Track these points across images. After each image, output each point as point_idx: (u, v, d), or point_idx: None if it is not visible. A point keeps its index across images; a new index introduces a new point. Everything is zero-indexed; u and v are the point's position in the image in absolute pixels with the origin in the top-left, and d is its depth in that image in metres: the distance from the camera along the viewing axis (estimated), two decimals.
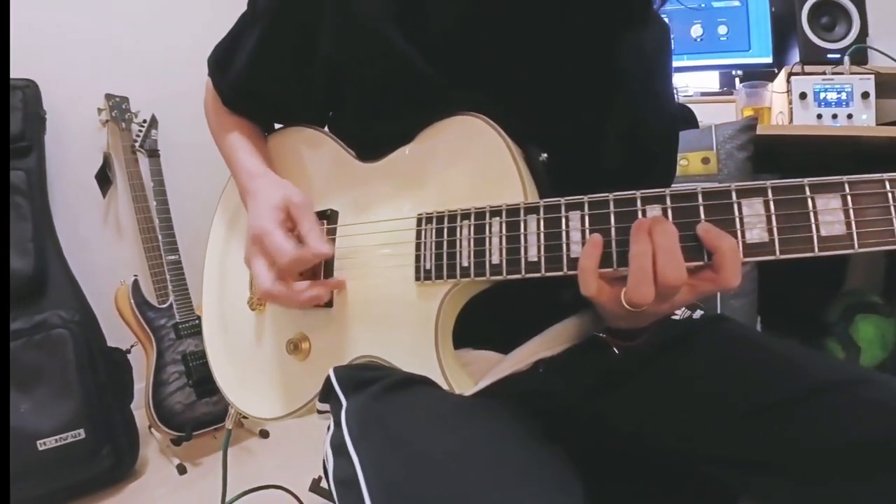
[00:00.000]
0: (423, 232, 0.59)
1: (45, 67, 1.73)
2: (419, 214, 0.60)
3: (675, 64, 1.69)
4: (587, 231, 0.50)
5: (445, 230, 0.58)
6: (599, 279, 0.48)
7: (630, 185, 0.48)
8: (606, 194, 0.50)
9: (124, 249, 1.95)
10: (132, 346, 1.67)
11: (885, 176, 0.41)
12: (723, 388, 0.58)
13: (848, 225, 0.41)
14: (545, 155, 0.58)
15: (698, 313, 0.74)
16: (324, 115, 0.74)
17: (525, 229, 0.53)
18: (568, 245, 0.51)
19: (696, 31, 1.63)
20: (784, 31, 1.55)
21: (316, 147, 0.72)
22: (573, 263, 0.50)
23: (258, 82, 0.71)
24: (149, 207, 1.77)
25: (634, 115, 0.66)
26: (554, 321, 0.64)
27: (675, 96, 0.78)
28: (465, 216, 0.56)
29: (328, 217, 0.69)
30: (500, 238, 0.54)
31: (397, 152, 0.64)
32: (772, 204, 0.43)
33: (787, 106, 1.38)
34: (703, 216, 0.45)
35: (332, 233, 0.68)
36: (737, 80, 1.70)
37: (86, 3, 1.81)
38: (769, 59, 1.58)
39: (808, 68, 1.38)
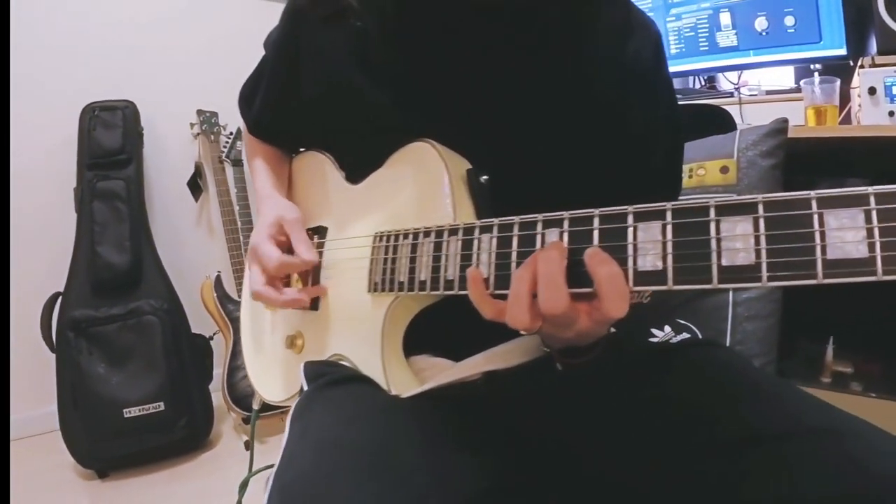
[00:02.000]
0: (375, 248, 0.63)
1: (143, 88, 1.93)
2: (375, 233, 0.63)
3: (741, 60, 1.53)
4: (493, 254, 0.49)
5: (391, 248, 0.60)
6: (498, 301, 0.46)
7: (624, 201, 0.45)
8: (513, 217, 0.48)
9: (214, 248, 2.12)
10: (214, 334, 1.83)
11: (813, 194, 0.34)
12: (670, 420, 0.53)
13: (758, 253, 0.35)
14: (486, 177, 0.58)
15: (681, 337, 0.67)
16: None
17: (447, 250, 0.53)
18: (477, 267, 0.50)
19: (761, 23, 1.47)
20: (860, 19, 1.35)
21: (319, 170, 0.78)
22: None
23: (274, 117, 0.78)
24: (233, 211, 1.92)
25: (613, 130, 0.62)
26: (510, 335, 0.63)
27: (674, 101, 0.70)
28: (406, 235, 0.58)
29: (319, 232, 0.75)
30: (429, 257, 0.55)
31: (372, 175, 0.67)
32: (669, 228, 0.39)
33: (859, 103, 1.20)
34: (595, 241, 0.42)
35: (321, 246, 0.74)
36: (816, 74, 1.51)
37: (178, 28, 2.00)
38: (843, 51, 1.37)
39: (881, 59, 1.19)
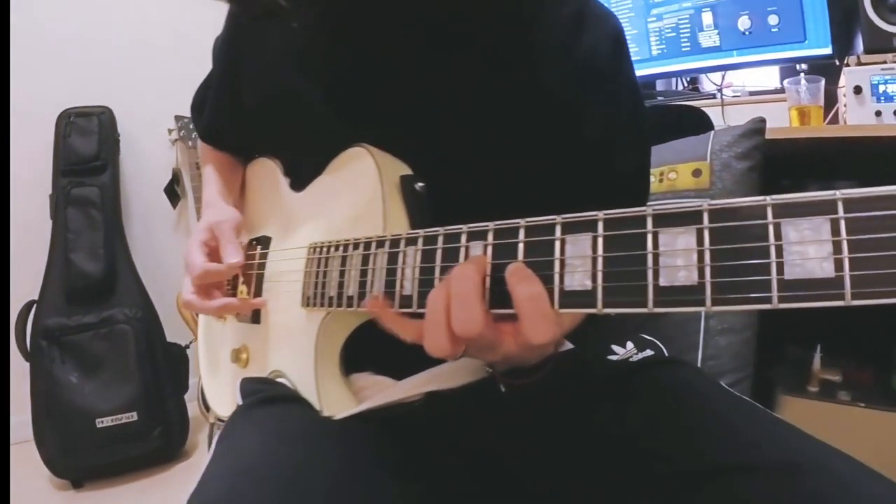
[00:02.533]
0: (309, 261, 0.57)
1: (121, 94, 1.87)
2: (310, 244, 0.58)
3: (724, 61, 1.46)
4: (417, 269, 0.42)
5: (323, 260, 0.55)
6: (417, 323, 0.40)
7: (585, 209, 0.40)
8: (438, 229, 0.41)
9: None
10: (190, 343, 1.76)
11: (768, 199, 0.28)
12: (620, 449, 0.48)
13: (701, 272, 0.29)
14: (421, 184, 0.52)
15: (644, 354, 0.60)
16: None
17: (374, 263, 0.47)
18: (402, 282, 0.43)
19: (744, 23, 1.40)
20: (846, 18, 1.28)
21: (267, 177, 0.74)
22: (405, 301, 0.43)
23: (221, 124, 0.75)
24: None
25: (566, 131, 0.57)
26: None
27: (638, 99, 0.63)
28: (337, 247, 0.53)
29: (263, 242, 0.70)
30: (357, 271, 0.49)
31: (314, 182, 0.63)
32: (600, 241, 0.32)
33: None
34: (520, 255, 0.35)
35: (264, 256, 0.69)
36: (802, 75, 1.44)
37: (156, 34, 1.93)
38: (828, 50, 1.31)
39: (867, 58, 1.12)
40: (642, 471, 0.46)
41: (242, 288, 0.70)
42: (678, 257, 0.29)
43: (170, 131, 1.92)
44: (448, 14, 0.56)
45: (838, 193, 0.26)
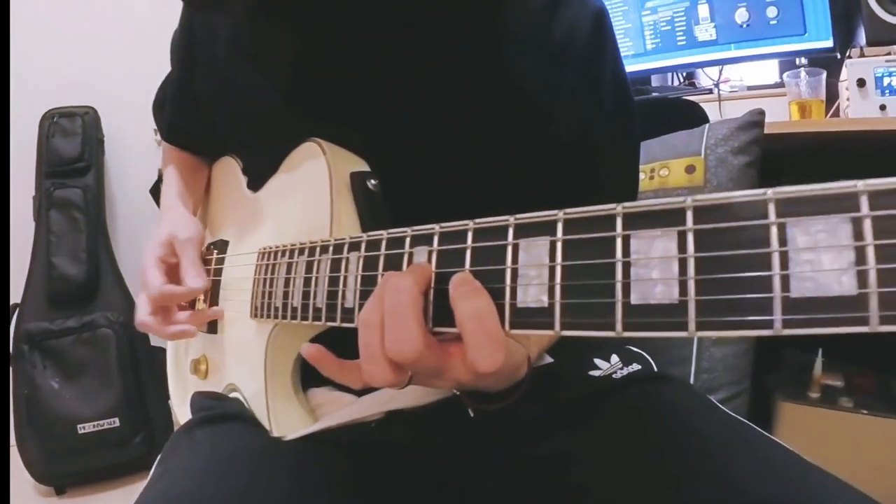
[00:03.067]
0: (258, 267, 0.52)
1: (104, 95, 1.80)
2: (260, 249, 0.52)
3: (721, 55, 1.39)
4: (359, 277, 0.36)
5: (269, 267, 0.49)
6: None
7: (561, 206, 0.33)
8: (382, 232, 0.35)
9: None
10: None
11: (770, 193, 0.21)
12: (591, 480, 0.42)
13: (683, 287, 0.22)
14: (374, 181, 0.47)
15: (630, 369, 0.53)
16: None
17: (317, 270, 0.41)
18: (344, 293, 0.37)
19: (742, 15, 1.33)
20: (847, 10, 1.21)
21: (227, 176, 0.69)
22: (347, 315, 0.36)
23: (182, 122, 0.70)
24: None
25: (539, 122, 0.51)
26: None
27: (626, 89, 0.57)
28: (283, 253, 0.47)
29: (220, 247, 0.65)
30: (301, 279, 0.43)
31: (269, 181, 0.58)
32: (559, 247, 0.26)
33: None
34: (468, 263, 0.29)
35: (220, 262, 0.63)
36: (802, 68, 1.37)
37: (141, 33, 1.87)
38: (829, 43, 1.23)
39: (870, 50, 1.06)
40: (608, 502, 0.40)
41: (200, 296, 0.64)
42: (654, 268, 0.22)
43: (155, 131, 1.85)
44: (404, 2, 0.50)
45: (860, 184, 0.20)
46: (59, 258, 1.56)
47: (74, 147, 1.65)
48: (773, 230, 0.21)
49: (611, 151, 0.55)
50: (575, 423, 0.46)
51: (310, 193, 0.48)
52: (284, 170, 0.54)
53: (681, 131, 0.81)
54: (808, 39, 1.26)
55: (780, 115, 1.24)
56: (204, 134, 0.68)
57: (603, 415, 0.46)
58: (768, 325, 0.20)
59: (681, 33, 1.42)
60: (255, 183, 0.60)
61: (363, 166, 0.48)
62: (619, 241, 0.23)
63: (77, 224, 1.59)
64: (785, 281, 0.20)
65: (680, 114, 0.88)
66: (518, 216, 0.28)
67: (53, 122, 1.67)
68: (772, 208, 0.21)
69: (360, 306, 0.35)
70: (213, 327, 0.62)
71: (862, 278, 0.19)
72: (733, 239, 0.21)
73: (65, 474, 1.49)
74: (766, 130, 0.81)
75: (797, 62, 1.39)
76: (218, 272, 0.63)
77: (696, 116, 0.90)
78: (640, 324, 0.23)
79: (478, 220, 0.29)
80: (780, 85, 1.32)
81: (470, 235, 0.29)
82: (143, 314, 0.58)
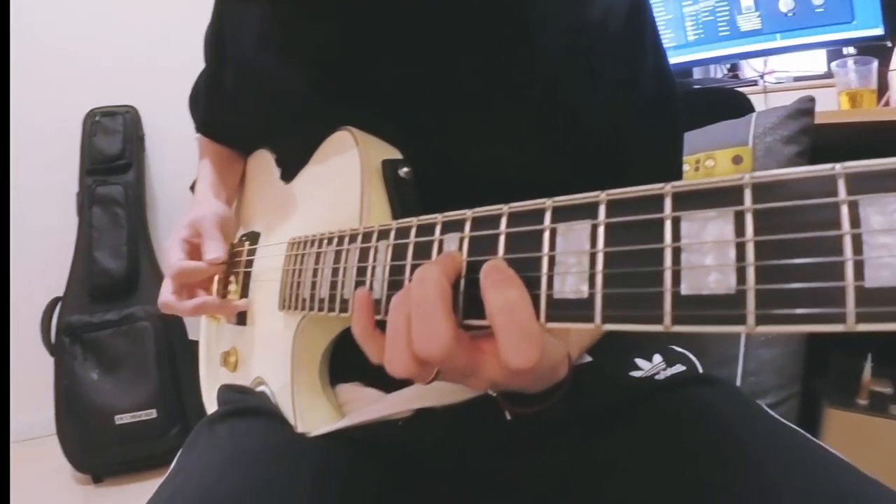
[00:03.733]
0: (287, 258, 0.51)
1: (145, 94, 1.86)
2: (290, 240, 0.52)
3: (765, 45, 1.33)
4: (388, 268, 0.34)
5: (299, 257, 0.48)
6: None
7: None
8: (412, 220, 0.34)
9: None
10: None
11: (839, 168, 0.19)
12: (625, 486, 0.40)
13: (741, 274, 0.20)
14: (406, 169, 0.46)
15: (674, 370, 0.51)
16: None
17: (345, 261, 0.40)
18: (371, 283, 0.36)
19: (786, 3, 1.27)
20: None
21: (262, 168, 0.69)
22: (375, 307, 0.35)
23: (216, 116, 0.71)
24: None
25: (574, 114, 0.49)
26: None
27: (666, 75, 0.54)
28: (313, 243, 0.46)
29: (250, 238, 0.65)
30: (330, 269, 0.42)
31: (301, 172, 0.57)
32: (601, 232, 0.24)
33: None
34: (501, 251, 0.27)
35: (251, 253, 0.63)
36: (850, 57, 1.30)
37: (181, 33, 1.91)
38: (879, 31, 1.17)
39: None
40: None
41: (232, 287, 0.64)
42: (707, 253, 0.21)
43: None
44: None
45: None
46: (100, 253, 1.61)
47: (116, 145, 1.71)
48: (844, 210, 0.18)
49: (650, 139, 0.52)
50: (613, 428, 0.43)
51: (341, 182, 0.47)
52: (316, 160, 0.54)
53: (726, 121, 0.77)
54: (856, 27, 1.20)
55: (829, 106, 1.18)
56: (237, 126, 0.68)
57: (643, 419, 0.44)
58: (839, 318, 0.18)
59: (723, 23, 1.37)
60: (288, 174, 0.60)
61: (395, 154, 0.47)
62: (668, 224, 0.22)
63: (118, 220, 1.64)
64: (858, 268, 0.18)
65: (724, 104, 0.85)
66: (556, 199, 0.26)
67: (95, 121, 1.73)
68: (842, 184, 0.19)
69: (389, 297, 0.34)
70: (242, 319, 0.62)
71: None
72: (798, 220, 0.19)
73: (102, 463, 1.53)
74: (816, 120, 0.77)
75: (844, 51, 1.32)
76: (249, 263, 0.63)
77: (740, 106, 0.86)
78: (692, 317, 0.21)
79: (513, 205, 0.28)
80: (829, 75, 1.26)
81: (504, 221, 0.27)
82: (164, 294, 0.59)
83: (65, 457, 1.56)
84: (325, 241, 0.43)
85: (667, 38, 1.47)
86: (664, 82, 0.53)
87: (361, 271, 0.37)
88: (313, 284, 0.44)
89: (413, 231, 0.33)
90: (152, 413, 1.51)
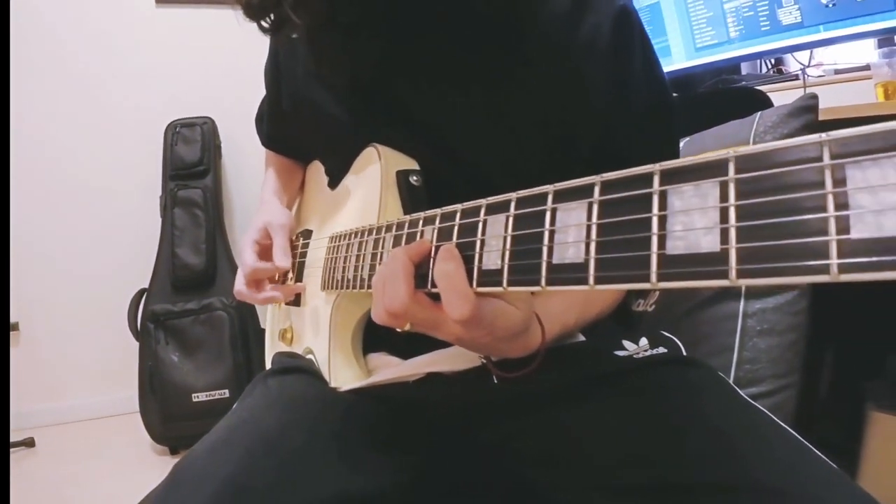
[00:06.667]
0: (329, 249, 0.65)
1: (221, 106, 2.09)
2: (331, 234, 0.65)
3: (809, 38, 1.34)
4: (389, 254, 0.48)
5: (336, 248, 0.62)
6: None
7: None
8: (405, 217, 0.48)
9: None
10: None
11: (657, 167, 0.26)
12: (595, 450, 0.48)
13: (587, 248, 0.29)
14: (416, 178, 0.58)
15: (654, 351, 0.55)
16: None
17: (364, 249, 0.54)
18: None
19: None
20: None
21: (315, 177, 0.82)
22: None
23: (277, 133, 0.83)
24: None
25: (568, 127, 0.58)
26: None
27: (659, 80, 0.60)
28: (345, 237, 0.60)
29: (304, 235, 0.79)
30: (354, 256, 0.56)
31: (343, 181, 0.70)
32: (510, 221, 0.35)
33: None
34: (455, 237, 0.40)
35: (305, 247, 0.77)
36: (882, 49, 1.29)
37: (250, 50, 2.13)
38: None
39: None
40: (611, 476, 0.46)
41: (290, 274, 0.78)
42: (570, 233, 0.30)
43: None
44: (446, 11, 0.58)
45: None
46: (181, 249, 1.85)
47: (195, 153, 1.95)
48: (548, 215, 0.29)
49: (642, 145, 0.58)
50: (589, 397, 0.51)
51: (367, 189, 0.60)
52: (353, 171, 0.66)
53: (735, 120, 0.83)
54: None
55: (869, 99, 1.19)
56: (294, 142, 0.81)
57: (618, 391, 0.51)
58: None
59: (764, 18, 1.40)
60: (334, 182, 0.72)
61: (411, 164, 0.59)
62: (548, 214, 0.32)
63: (198, 220, 1.88)
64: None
65: (743, 102, 0.89)
66: (489, 199, 0.38)
67: (176, 132, 1.98)
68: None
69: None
70: (297, 301, 0.76)
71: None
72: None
73: (179, 437, 1.74)
74: (830, 115, 0.81)
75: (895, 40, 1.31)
76: (303, 255, 0.77)
77: (759, 104, 0.90)
78: (558, 279, 0.31)
79: (464, 204, 0.40)
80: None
81: (458, 215, 0.40)
82: (239, 284, 0.72)
83: (145, 430, 1.79)
84: (352, 235, 0.56)
85: (709, 35, 1.51)
86: (656, 89, 0.60)
87: (374, 257, 0.50)
88: (344, 268, 0.57)
89: (406, 225, 0.46)
90: (225, 393, 1.72)
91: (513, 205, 0.35)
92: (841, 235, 0.20)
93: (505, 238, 0.35)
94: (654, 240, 0.26)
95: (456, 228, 0.39)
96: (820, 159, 0.21)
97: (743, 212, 0.23)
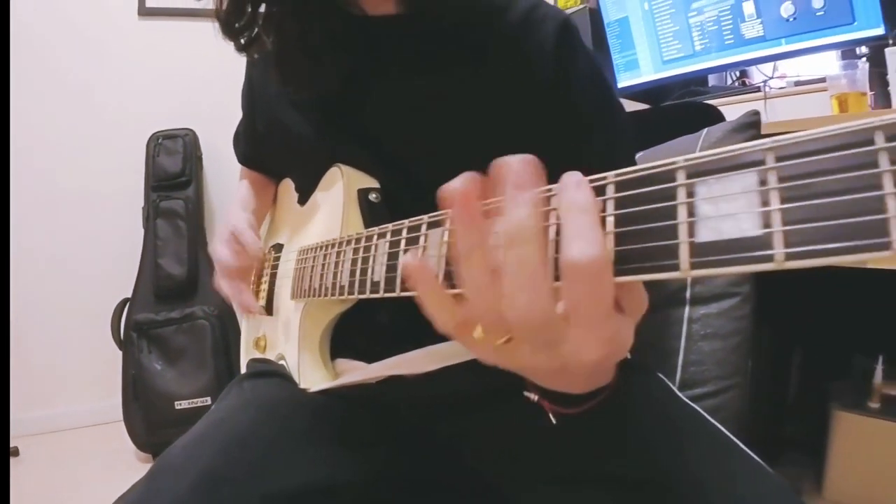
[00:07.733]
0: (298, 261, 0.69)
1: (202, 118, 2.13)
2: (300, 248, 0.69)
3: (771, 51, 1.40)
4: (351, 262, 0.52)
5: (304, 260, 0.66)
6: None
7: None
8: (362, 231, 0.52)
9: None
10: None
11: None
12: (555, 447, 0.52)
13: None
14: (374, 195, 0.62)
15: None
16: None
17: (324, 261, 0.58)
18: (373, 269, 0.49)
19: (787, 9, 1.34)
20: None
21: (287, 193, 0.86)
22: (374, 287, 0.49)
23: (252, 152, 0.86)
24: None
25: (525, 138, 0.60)
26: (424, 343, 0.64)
27: (615, 101, 0.65)
28: (311, 250, 0.64)
29: (276, 248, 0.82)
30: (319, 266, 0.60)
31: (311, 198, 0.73)
32: (446, 235, 0.39)
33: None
34: (402, 246, 0.44)
35: (277, 260, 0.81)
36: (863, 59, 1.35)
37: (231, 63, 2.17)
38: (880, 30, 1.22)
39: None
40: (563, 468, 0.51)
41: (262, 286, 0.82)
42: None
43: None
44: (406, 41, 0.62)
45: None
46: (164, 259, 1.88)
47: (177, 164, 1.98)
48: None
49: (594, 159, 0.61)
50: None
51: (331, 207, 0.64)
52: (320, 188, 0.70)
53: (686, 136, 0.88)
54: (857, 28, 1.25)
55: (826, 111, 1.25)
56: (268, 161, 0.84)
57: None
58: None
59: (728, 32, 1.46)
60: (303, 199, 0.75)
61: (371, 183, 0.63)
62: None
63: (180, 230, 1.91)
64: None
65: (695, 118, 0.94)
66: (431, 214, 0.42)
67: (158, 143, 2.01)
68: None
69: (388, 280, 0.45)
70: (269, 310, 0.79)
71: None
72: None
73: (162, 443, 1.69)
74: (780, 130, 0.86)
75: (857, 52, 1.37)
76: (275, 267, 0.80)
77: (711, 118, 0.95)
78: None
79: (410, 220, 0.44)
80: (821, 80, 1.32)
81: (405, 230, 0.44)
82: (217, 280, 0.75)
83: (129, 437, 1.81)
84: (317, 249, 0.60)
85: (675, 49, 1.57)
86: (603, 105, 0.63)
87: (335, 266, 0.55)
88: (311, 278, 0.61)
89: (363, 239, 0.50)
90: (207, 400, 1.75)
91: (448, 221, 0.40)
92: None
93: (441, 245, 0.39)
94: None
95: (403, 243, 0.44)
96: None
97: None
